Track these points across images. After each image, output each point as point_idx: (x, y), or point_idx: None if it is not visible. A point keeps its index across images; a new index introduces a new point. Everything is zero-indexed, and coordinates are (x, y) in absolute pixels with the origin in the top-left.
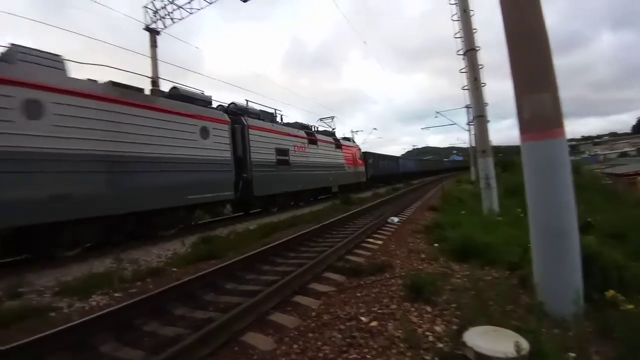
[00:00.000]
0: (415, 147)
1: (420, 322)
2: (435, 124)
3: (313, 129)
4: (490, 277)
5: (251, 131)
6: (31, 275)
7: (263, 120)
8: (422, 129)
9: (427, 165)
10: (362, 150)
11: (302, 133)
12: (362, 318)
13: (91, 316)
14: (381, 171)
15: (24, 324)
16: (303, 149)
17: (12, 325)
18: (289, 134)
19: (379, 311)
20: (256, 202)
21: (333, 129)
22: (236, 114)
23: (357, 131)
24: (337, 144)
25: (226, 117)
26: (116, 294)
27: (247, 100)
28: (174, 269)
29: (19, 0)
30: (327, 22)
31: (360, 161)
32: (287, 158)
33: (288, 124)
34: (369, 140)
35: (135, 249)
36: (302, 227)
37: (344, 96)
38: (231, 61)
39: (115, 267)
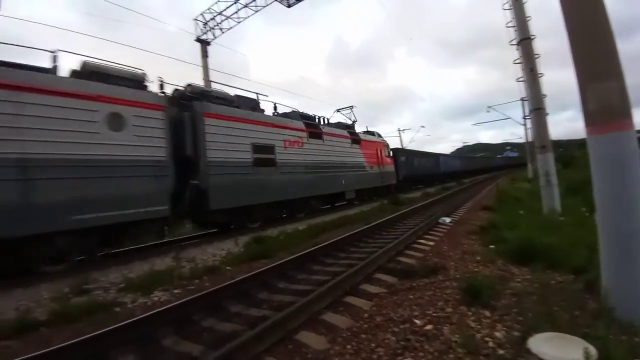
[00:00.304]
0: (466, 144)
1: (479, 327)
2: (486, 119)
3: (323, 121)
4: (553, 281)
5: (208, 120)
6: (98, 273)
7: (237, 107)
8: (472, 125)
9: (475, 163)
10: (406, 148)
11: (298, 124)
12: (416, 321)
13: (153, 311)
14: (417, 171)
15: (91, 319)
16: (299, 144)
17: (80, 320)
18: (275, 125)
19: (434, 314)
20: (215, 217)
21: (353, 121)
22: (192, 98)
23: (404, 129)
24: (355, 138)
25: (160, 101)
26: (176, 291)
27: (210, 81)
28: (229, 268)
29: (77, 17)
30: (368, 21)
31: (388, 159)
32: (271, 157)
33: (285, 114)
34: (417, 139)
35: (193, 247)
36: (350, 228)
37: (390, 95)
38: (277, 66)
39: (174, 265)
